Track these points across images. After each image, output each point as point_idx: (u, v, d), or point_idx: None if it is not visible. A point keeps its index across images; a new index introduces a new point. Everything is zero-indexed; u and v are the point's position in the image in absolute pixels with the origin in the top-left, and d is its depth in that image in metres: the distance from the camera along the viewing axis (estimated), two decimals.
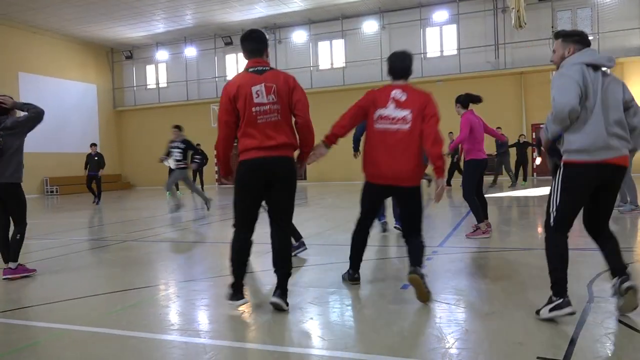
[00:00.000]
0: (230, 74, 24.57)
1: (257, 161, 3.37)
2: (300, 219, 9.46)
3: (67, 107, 23.01)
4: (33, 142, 23.51)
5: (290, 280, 4.40)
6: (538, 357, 2.54)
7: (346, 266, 4.87)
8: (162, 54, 25.44)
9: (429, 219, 8.96)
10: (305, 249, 5.42)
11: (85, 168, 14.94)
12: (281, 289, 3.46)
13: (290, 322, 3.29)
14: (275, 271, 3.52)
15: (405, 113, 3.61)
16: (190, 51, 24.60)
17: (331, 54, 22.93)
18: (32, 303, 4.03)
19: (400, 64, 3.80)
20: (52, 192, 21.69)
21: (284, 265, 3.50)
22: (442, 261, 5.08)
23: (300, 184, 15.33)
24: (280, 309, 3.43)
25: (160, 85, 25.98)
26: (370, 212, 3.95)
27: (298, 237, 5.35)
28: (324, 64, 23.07)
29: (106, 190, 23.52)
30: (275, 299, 3.42)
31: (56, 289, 4.51)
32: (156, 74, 26.17)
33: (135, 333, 3.18)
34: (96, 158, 14.82)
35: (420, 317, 3.29)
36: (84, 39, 24.07)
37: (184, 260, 5.73)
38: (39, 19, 20.70)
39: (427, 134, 3.58)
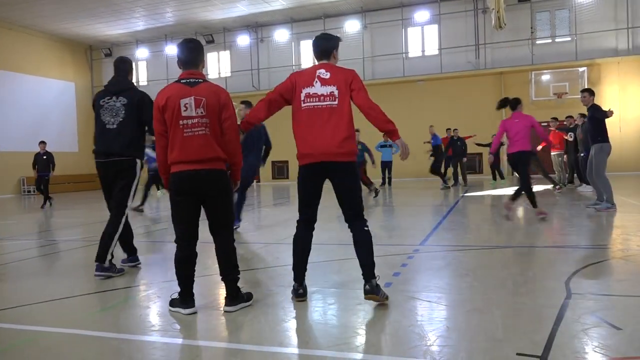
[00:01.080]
0: (212, 72, 24.41)
1: (184, 174, 3.40)
2: (283, 218, 9.43)
3: (44, 105, 22.60)
4: (10, 141, 22.93)
5: (273, 280, 4.40)
6: (517, 354, 2.57)
7: (328, 265, 4.89)
8: (142, 52, 25.16)
9: (412, 217, 9.02)
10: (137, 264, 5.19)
11: (34, 168, 13.96)
12: (230, 296, 3.53)
13: (272, 321, 3.29)
14: (222, 279, 3.57)
15: (332, 89, 3.53)
16: (171, 49, 24.36)
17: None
18: (7, 305, 3.95)
19: (324, 45, 3.70)
20: (29, 192, 21.29)
21: (230, 273, 3.54)
22: (424, 259, 5.12)
23: (282, 183, 15.38)
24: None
25: (141, 84, 25.68)
26: (308, 205, 3.69)
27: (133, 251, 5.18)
28: (306, 63, 23.06)
29: (85, 190, 23.24)
30: (228, 308, 3.49)
31: (33, 290, 4.42)
32: (136, 72, 25.85)
33: (116, 334, 3.14)
34: (45, 157, 13.90)
35: (401, 315, 3.31)
36: (62, 36, 23.66)
37: (165, 260, 5.67)
38: (15, 15, 20.29)
39: (362, 107, 3.52)
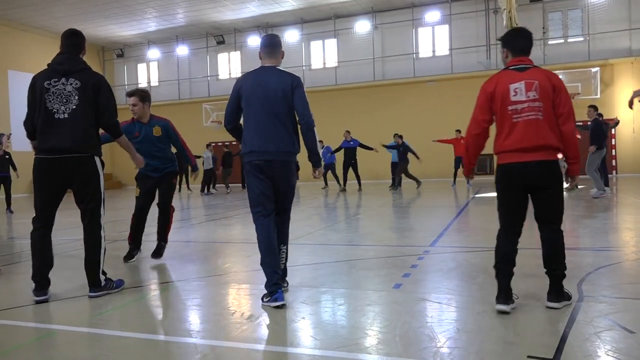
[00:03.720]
0: (222, 73, 24.51)
1: (515, 166, 3.26)
2: (293, 218, 9.42)
3: None
4: (23, 141, 23.46)
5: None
6: (529, 356, 2.55)
7: (337, 265, 4.88)
8: (153, 53, 25.33)
9: (422, 218, 8.98)
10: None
11: None
12: (555, 292, 3.33)
13: (282, 321, 3.29)
14: (546, 272, 3.41)
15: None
16: (182, 50, 24.51)
17: (323, 54, 22.96)
18: (20, 303, 3.99)
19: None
20: None
21: (557, 267, 3.36)
22: (434, 260, 5.09)
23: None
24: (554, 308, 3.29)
25: (152, 84, 25.87)
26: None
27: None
28: (316, 63, 23.08)
29: None
30: (552, 304, 3.31)
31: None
32: (148, 72, 26.07)
33: (127, 333, 3.16)
34: (7, 157, 12.46)
35: (411, 317, 3.30)
36: None
37: (176, 260, 5.70)
38: (29, 16, 20.53)
39: None
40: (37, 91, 3.85)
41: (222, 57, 24.56)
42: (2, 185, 12.57)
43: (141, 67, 26.18)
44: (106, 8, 20.04)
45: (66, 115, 3.79)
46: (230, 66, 24.51)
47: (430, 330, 3.02)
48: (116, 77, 26.50)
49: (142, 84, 26.14)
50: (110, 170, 26.30)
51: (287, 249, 3.92)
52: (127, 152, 4.40)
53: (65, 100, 3.80)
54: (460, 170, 16.16)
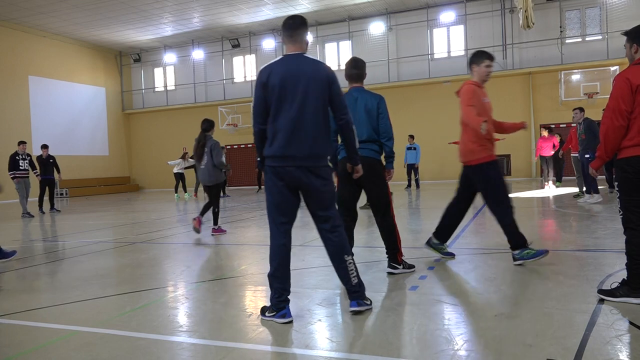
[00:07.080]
0: (238, 76, 24.66)
1: None
2: (307, 220, 9.43)
3: (76, 110, 23.21)
4: (54, 146, 23.69)
5: (299, 282, 4.41)
6: (548, 359, 2.52)
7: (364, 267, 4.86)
8: (170, 57, 25.60)
9: (438, 220, 8.90)
10: None
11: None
12: None
13: (297, 323, 3.29)
14: None
15: None
16: (198, 54, 24.72)
17: (338, 56, 22.96)
18: (41, 305, 4.06)
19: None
20: (62, 194, 21.86)
21: None
22: (451, 262, 5.06)
23: None
24: None
25: (168, 88, 26.14)
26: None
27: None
28: (331, 65, 23.07)
29: (115, 192, 23.77)
30: None
31: (65, 290, 4.54)
32: (164, 76, 26.34)
33: (145, 334, 3.20)
34: (51, 160, 13.88)
35: (428, 319, 3.28)
36: (93, 43, 24.27)
37: (193, 262, 5.75)
38: (48, 22, 20.90)
39: None
40: None
41: (237, 61, 24.72)
42: (47, 187, 13.89)
43: (158, 72, 26.46)
44: (123, 13, 20.31)
45: None
46: (245, 69, 24.65)
47: (448, 332, 3.00)
48: (134, 81, 26.84)
49: (159, 88, 26.44)
50: (129, 174, 26.61)
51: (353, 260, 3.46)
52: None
53: None
54: None
